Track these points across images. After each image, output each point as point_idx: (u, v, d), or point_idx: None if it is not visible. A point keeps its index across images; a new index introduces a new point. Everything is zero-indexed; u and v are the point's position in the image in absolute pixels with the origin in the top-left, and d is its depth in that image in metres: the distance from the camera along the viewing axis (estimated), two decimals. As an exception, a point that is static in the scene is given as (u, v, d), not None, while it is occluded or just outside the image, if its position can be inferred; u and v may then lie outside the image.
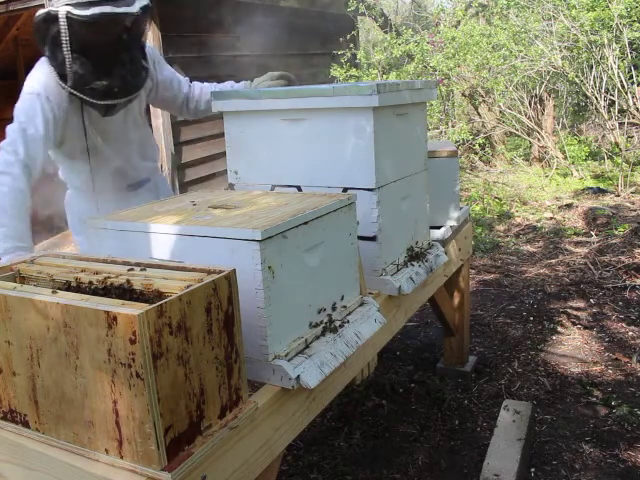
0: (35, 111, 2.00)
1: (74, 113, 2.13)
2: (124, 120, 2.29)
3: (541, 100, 8.17)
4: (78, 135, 2.18)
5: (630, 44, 6.64)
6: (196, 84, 2.51)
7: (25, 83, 2.07)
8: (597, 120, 7.84)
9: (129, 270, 1.30)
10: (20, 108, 2.02)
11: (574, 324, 3.63)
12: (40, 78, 2.04)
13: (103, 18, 1.88)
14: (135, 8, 1.94)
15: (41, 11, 1.94)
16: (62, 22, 1.89)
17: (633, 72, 6.83)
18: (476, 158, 8.13)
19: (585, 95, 7.38)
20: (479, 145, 8.02)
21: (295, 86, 2.33)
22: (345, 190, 1.92)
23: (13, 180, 1.93)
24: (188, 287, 1.15)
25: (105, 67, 1.99)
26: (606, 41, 6.50)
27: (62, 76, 1.99)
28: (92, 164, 2.26)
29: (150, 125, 2.58)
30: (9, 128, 2.00)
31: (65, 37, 1.90)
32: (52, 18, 1.90)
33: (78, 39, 1.91)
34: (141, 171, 2.46)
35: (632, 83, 6.87)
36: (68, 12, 1.87)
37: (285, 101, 1.96)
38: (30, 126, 1.99)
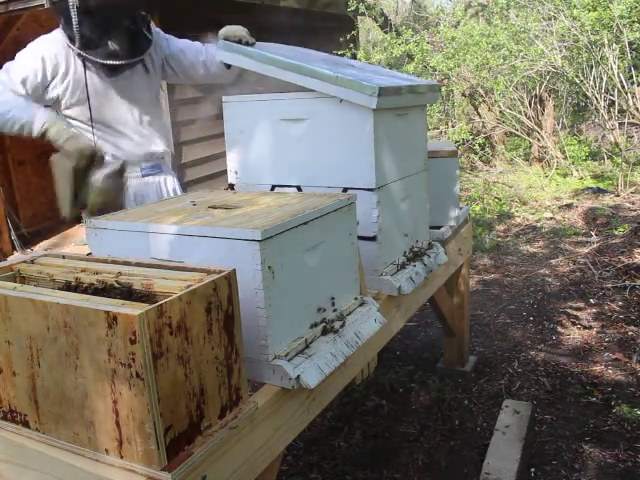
0: (22, 66, 2.16)
1: (77, 78, 2.26)
2: (129, 87, 2.38)
3: (541, 100, 8.16)
4: (81, 98, 2.29)
5: (630, 44, 6.63)
6: (209, 46, 2.49)
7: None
8: (597, 120, 7.82)
9: (129, 270, 1.30)
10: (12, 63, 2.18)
11: (574, 324, 3.63)
12: (44, 39, 2.22)
13: None
14: None
15: None
16: None
17: (633, 72, 6.83)
18: (476, 158, 8.12)
19: (585, 95, 7.37)
20: (479, 145, 8.01)
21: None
22: (345, 190, 1.92)
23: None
24: (188, 287, 1.15)
25: (110, 30, 2.16)
26: (606, 41, 6.50)
27: (71, 39, 2.16)
28: (96, 133, 2.32)
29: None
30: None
31: (73, 1, 2.08)
32: None
33: (86, 4, 2.09)
34: (147, 149, 2.48)
35: (632, 83, 6.86)
36: None
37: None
38: (7, 73, 2.14)
